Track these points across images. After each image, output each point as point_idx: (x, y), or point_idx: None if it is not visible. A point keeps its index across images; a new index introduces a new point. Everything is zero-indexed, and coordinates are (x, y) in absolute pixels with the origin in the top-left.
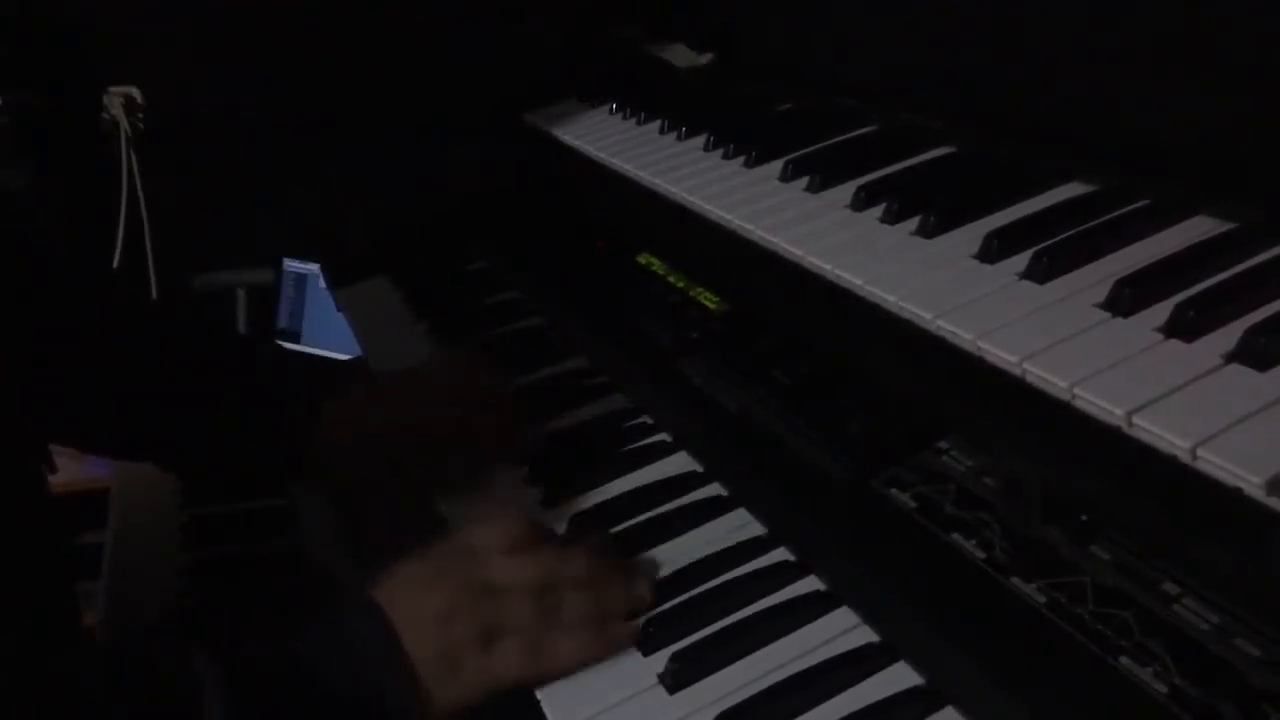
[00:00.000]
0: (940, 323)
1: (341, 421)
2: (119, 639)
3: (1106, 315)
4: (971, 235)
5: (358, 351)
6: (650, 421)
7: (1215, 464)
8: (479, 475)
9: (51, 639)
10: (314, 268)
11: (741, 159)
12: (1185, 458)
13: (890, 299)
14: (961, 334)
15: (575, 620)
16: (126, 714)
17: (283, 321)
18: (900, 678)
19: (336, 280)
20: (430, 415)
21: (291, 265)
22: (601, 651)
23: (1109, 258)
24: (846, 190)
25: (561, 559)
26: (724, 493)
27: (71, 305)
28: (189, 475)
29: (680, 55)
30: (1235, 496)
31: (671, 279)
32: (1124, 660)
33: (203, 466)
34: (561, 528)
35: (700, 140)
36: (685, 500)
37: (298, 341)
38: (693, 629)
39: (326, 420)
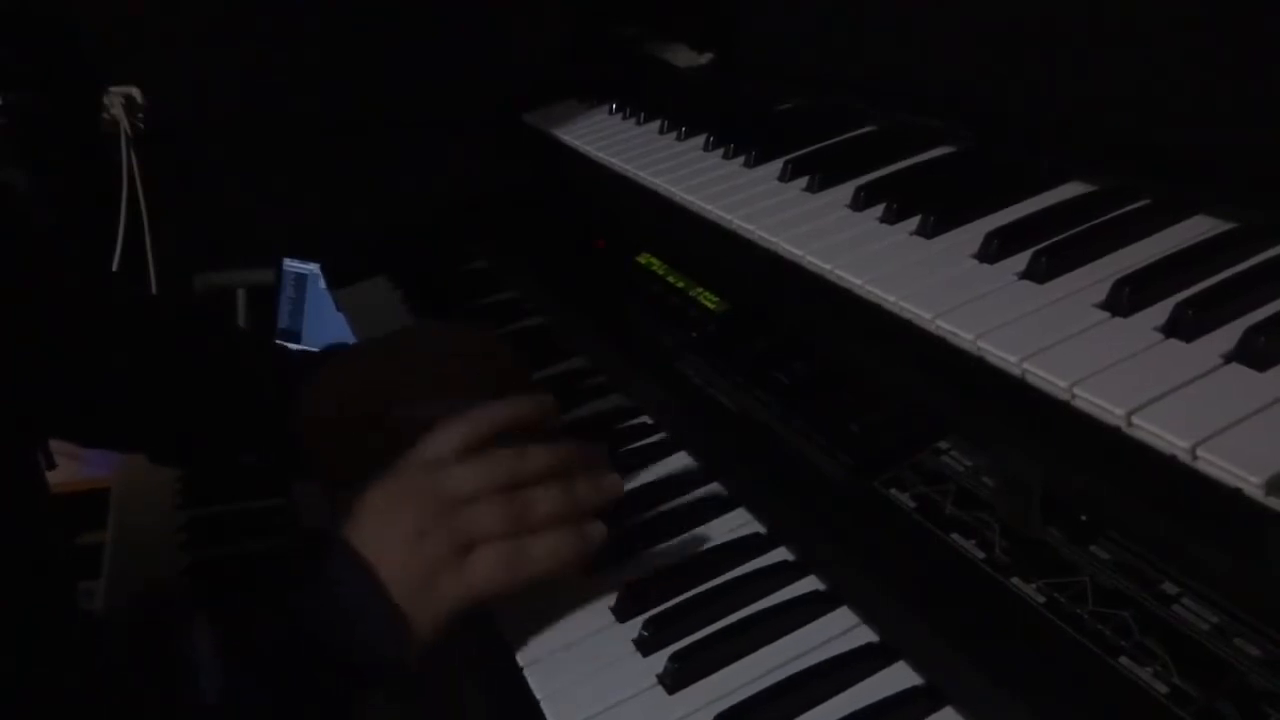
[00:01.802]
0: (940, 323)
1: (321, 399)
2: (119, 612)
3: (1106, 315)
4: (971, 235)
5: None
6: (650, 421)
7: (1215, 464)
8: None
9: (51, 639)
10: (314, 268)
11: (741, 159)
12: (1185, 457)
13: (890, 299)
14: (961, 334)
15: (546, 520)
16: (123, 684)
17: (283, 321)
18: (900, 678)
19: (336, 280)
20: (414, 368)
21: (291, 265)
22: (578, 550)
23: (1109, 257)
24: (846, 190)
25: (521, 456)
26: (724, 492)
27: (68, 302)
28: (181, 466)
29: (680, 55)
30: (1234, 496)
31: (671, 279)
32: (1124, 660)
33: (193, 458)
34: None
35: (700, 140)
36: (685, 500)
37: (298, 341)
38: (692, 629)
39: (307, 403)
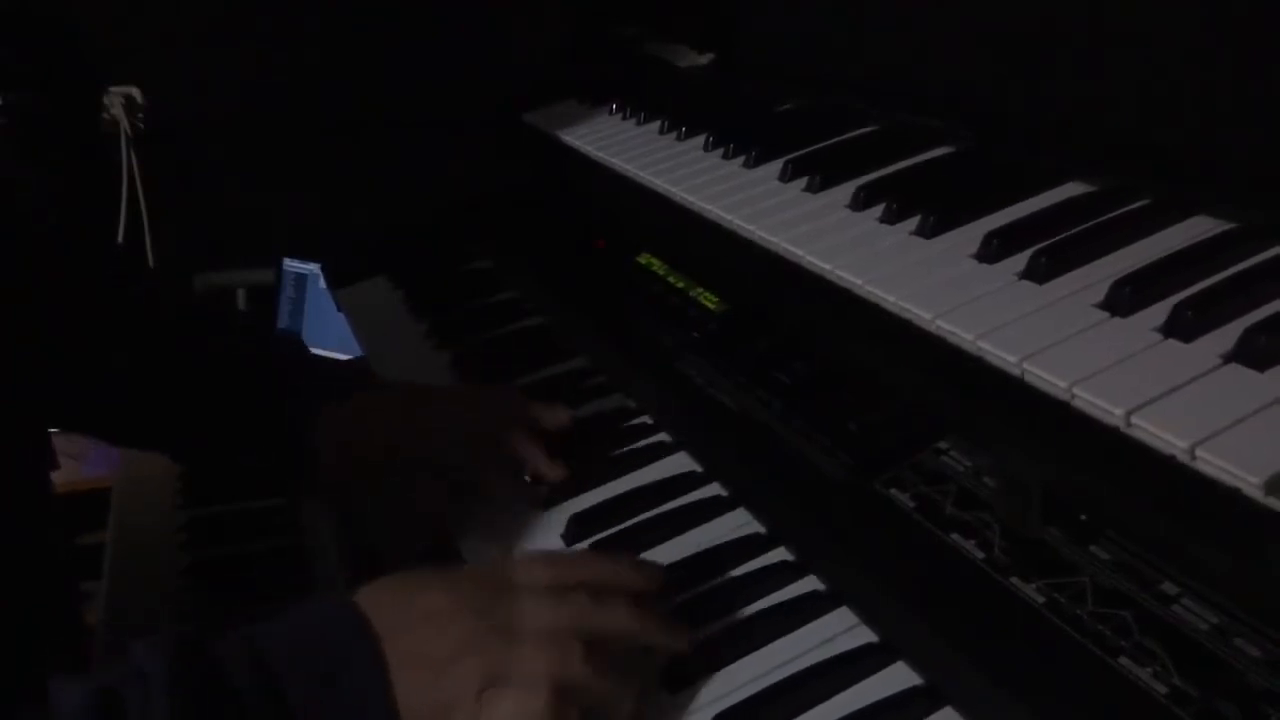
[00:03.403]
0: (940, 323)
1: (335, 426)
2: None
3: (1105, 315)
4: (971, 235)
5: (358, 351)
6: (650, 421)
7: (1214, 464)
8: (474, 513)
9: (52, 639)
10: (314, 268)
11: (741, 159)
12: (1184, 458)
13: (890, 299)
14: (961, 334)
15: (600, 682)
16: None
17: (283, 321)
18: (899, 678)
19: (336, 280)
20: (425, 439)
21: (291, 265)
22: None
23: (1108, 258)
24: (846, 190)
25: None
26: (723, 493)
27: (68, 302)
28: (184, 464)
29: (680, 55)
30: (1234, 496)
31: (671, 279)
32: (1123, 660)
33: (194, 457)
34: (561, 527)
35: (700, 140)
36: (685, 500)
37: None
38: (692, 629)
39: (324, 424)
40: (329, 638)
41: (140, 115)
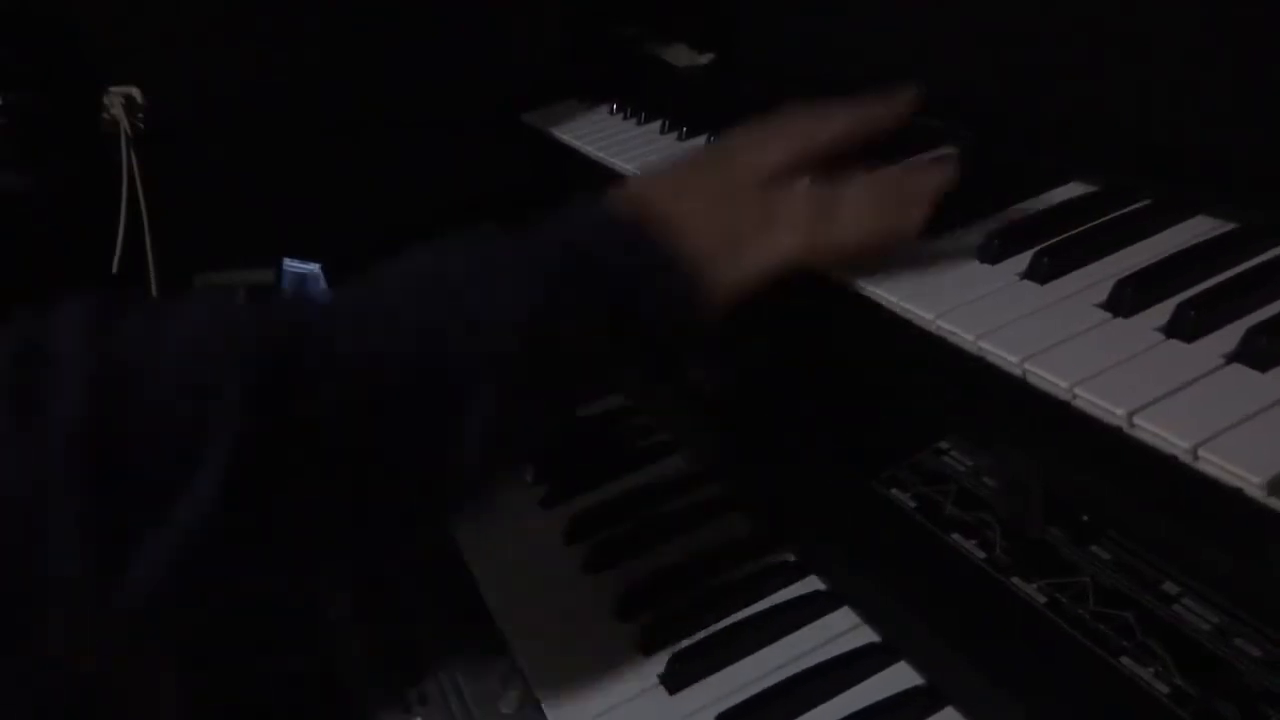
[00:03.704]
0: (941, 323)
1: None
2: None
3: (1107, 315)
4: (972, 235)
5: None
6: (651, 422)
7: (1216, 464)
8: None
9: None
10: (314, 268)
11: None
12: (1186, 458)
13: (891, 299)
14: (962, 334)
15: (865, 195)
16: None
17: None
18: (901, 678)
19: (337, 280)
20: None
21: (291, 265)
22: (890, 231)
23: (1110, 258)
24: None
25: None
26: (724, 493)
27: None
28: None
29: (681, 55)
30: (1236, 497)
31: None
32: (1125, 660)
33: None
34: (560, 528)
35: (701, 141)
36: (685, 500)
37: None
38: (693, 629)
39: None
40: (611, 217)
41: (140, 115)
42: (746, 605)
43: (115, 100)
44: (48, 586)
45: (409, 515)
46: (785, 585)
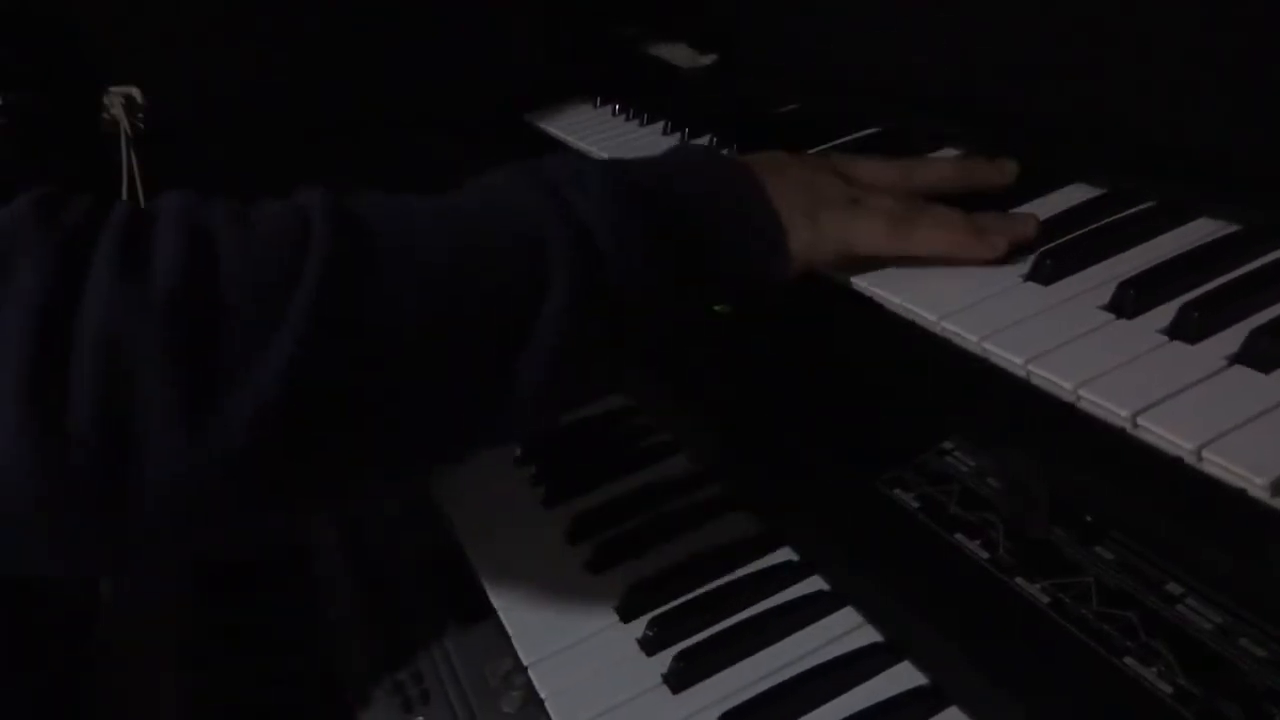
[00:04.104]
0: (945, 324)
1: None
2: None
3: (1111, 317)
4: None
5: None
6: (653, 422)
7: (1220, 465)
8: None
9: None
10: None
11: None
12: (1190, 459)
13: (895, 300)
14: (966, 335)
15: (945, 212)
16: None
17: None
18: (904, 678)
19: None
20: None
21: None
22: (970, 246)
23: (1113, 259)
24: None
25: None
26: (726, 492)
27: None
28: None
29: (683, 55)
30: (1239, 498)
31: None
32: (1128, 660)
33: None
34: (563, 528)
35: (704, 142)
36: (688, 500)
37: None
38: (697, 629)
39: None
40: (707, 165)
41: (140, 115)
42: (750, 605)
43: (115, 100)
44: (138, 435)
45: (469, 420)
46: (788, 585)
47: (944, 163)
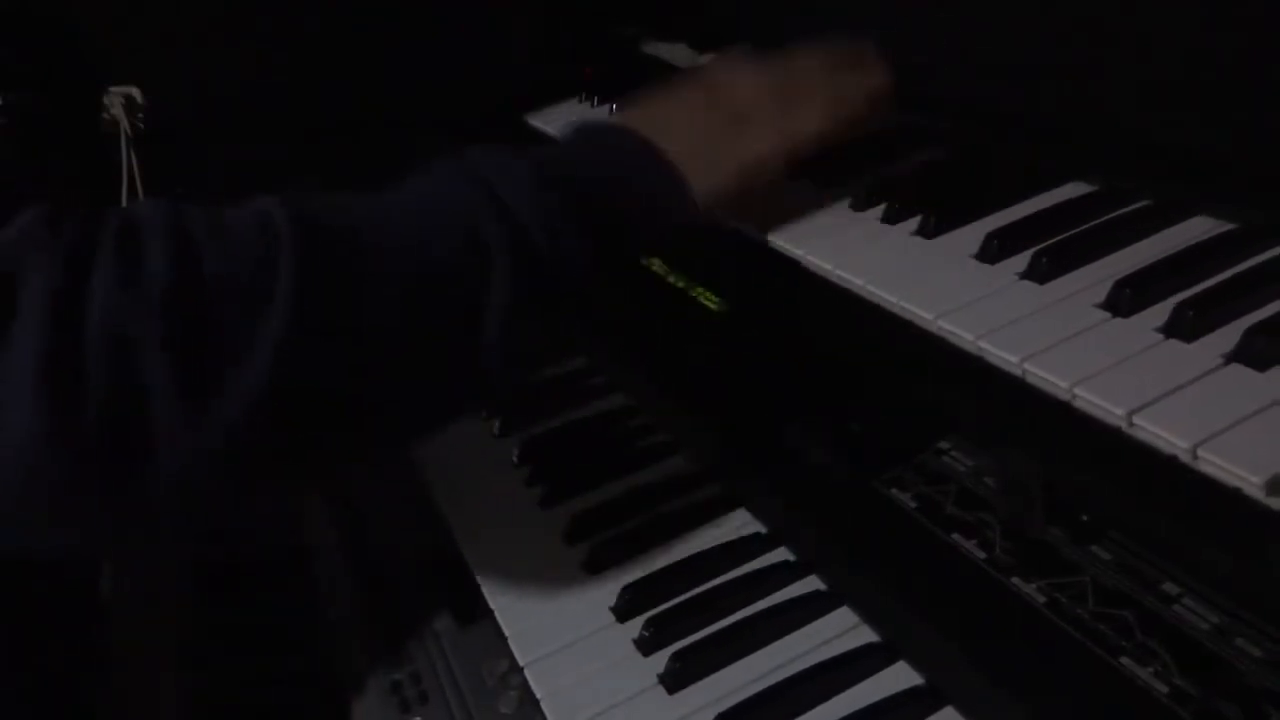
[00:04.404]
0: (941, 323)
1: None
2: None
3: (1107, 315)
4: (972, 235)
5: None
6: (650, 422)
7: (1215, 464)
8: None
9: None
10: None
11: None
12: (1185, 458)
13: (891, 299)
14: (962, 334)
15: (812, 91)
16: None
17: None
18: (900, 678)
19: None
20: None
21: None
22: (843, 113)
23: (1109, 258)
24: (848, 190)
25: (791, 60)
26: (724, 492)
27: None
28: None
29: (682, 56)
30: (1235, 496)
31: (672, 279)
32: (1125, 660)
33: None
34: (560, 529)
35: None
36: (686, 500)
37: None
38: (693, 629)
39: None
40: (605, 144)
41: (140, 115)
42: (746, 605)
43: (115, 100)
44: (144, 418)
45: (437, 392)
46: (785, 585)
47: (809, 59)
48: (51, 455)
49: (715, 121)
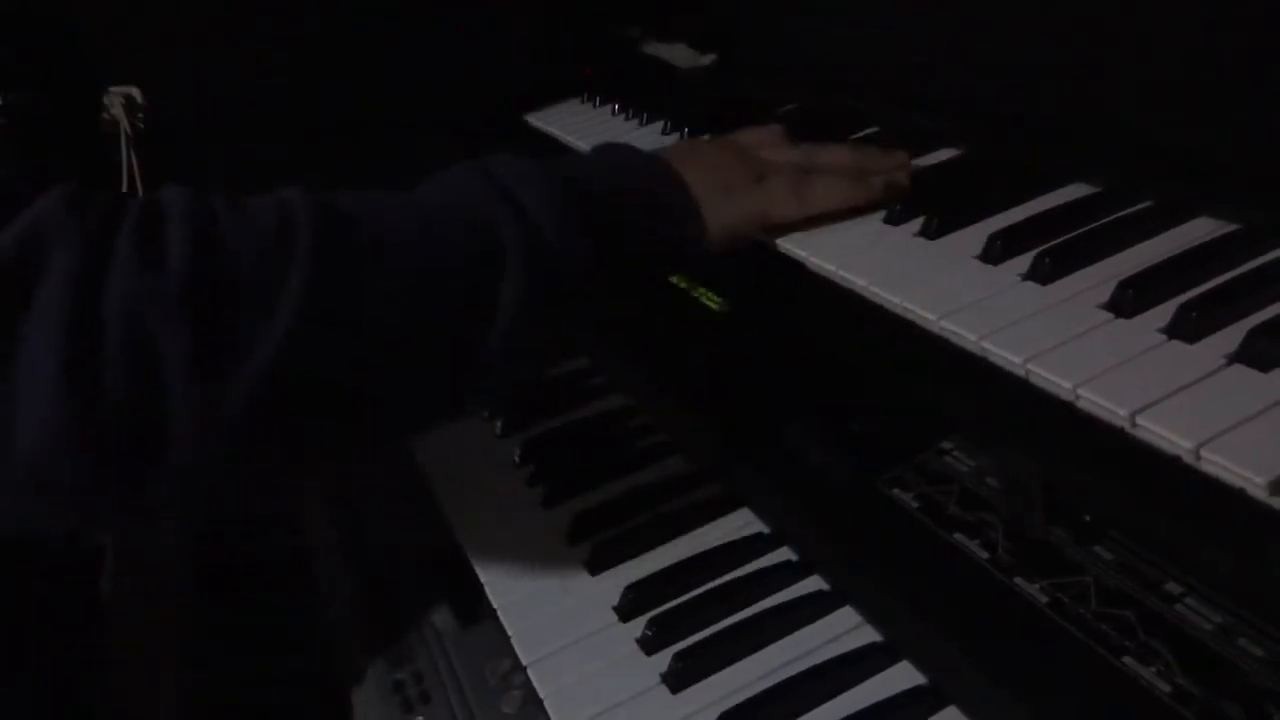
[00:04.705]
0: (944, 323)
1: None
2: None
3: (1110, 316)
4: (974, 236)
5: None
6: (651, 422)
7: (1218, 464)
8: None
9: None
10: None
11: None
12: (1189, 458)
13: (894, 300)
14: (965, 335)
15: (835, 169)
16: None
17: None
18: (903, 677)
19: None
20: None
21: None
22: (859, 196)
23: (1112, 259)
24: None
25: (822, 145)
26: (727, 492)
27: None
28: None
29: (682, 55)
30: (1238, 497)
31: (673, 279)
32: (1127, 660)
33: None
34: (562, 528)
35: None
36: (687, 500)
37: None
38: (696, 629)
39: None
40: (630, 161)
41: (140, 115)
42: (749, 604)
43: (115, 100)
44: (162, 393)
45: (441, 385)
46: (788, 585)
47: (840, 148)
48: (74, 428)
49: (737, 171)
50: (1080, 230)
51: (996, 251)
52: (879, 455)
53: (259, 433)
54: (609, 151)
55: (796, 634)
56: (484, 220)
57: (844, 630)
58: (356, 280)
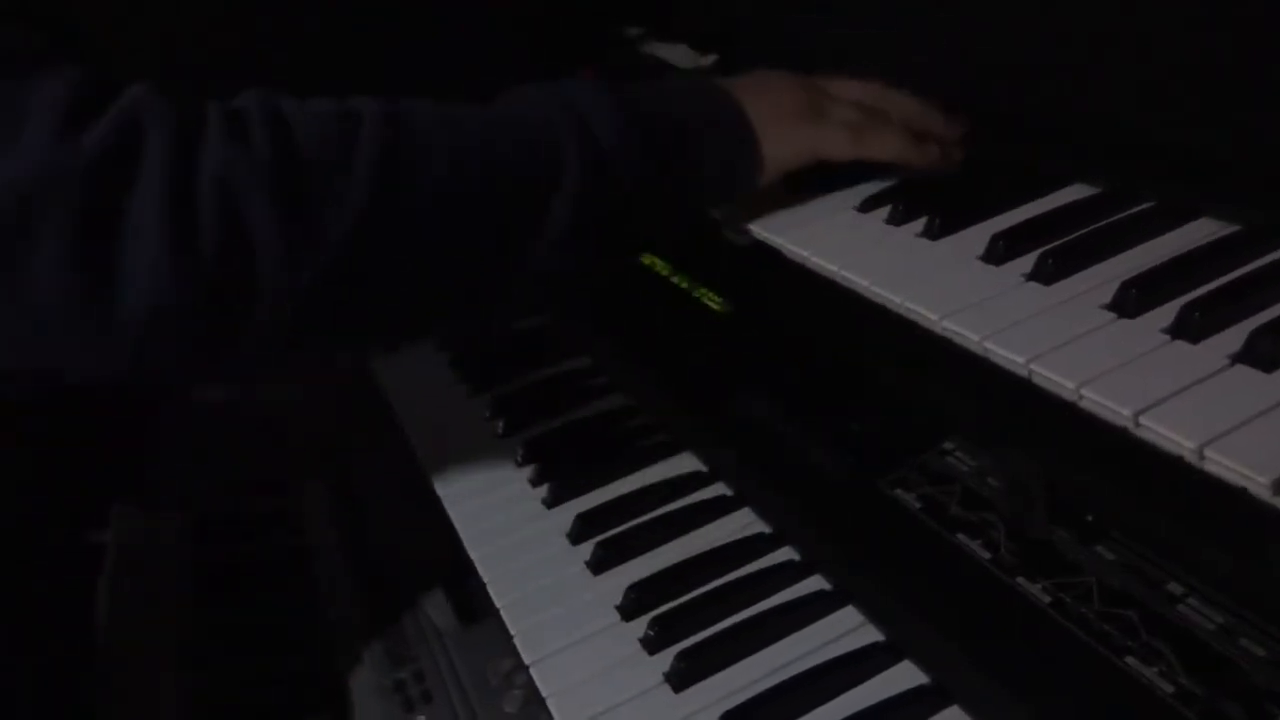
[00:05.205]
0: (946, 324)
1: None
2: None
3: (1113, 316)
4: (977, 237)
5: None
6: (653, 421)
7: (1222, 464)
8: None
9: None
10: None
11: None
12: (1192, 458)
13: (896, 300)
14: (968, 335)
15: (897, 123)
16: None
17: None
18: (905, 677)
19: None
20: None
21: None
22: (915, 156)
23: (1115, 259)
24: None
25: (894, 96)
26: (729, 492)
27: None
28: None
29: (683, 56)
30: (1241, 497)
31: (675, 280)
32: (1129, 660)
33: None
34: (567, 525)
35: None
36: (690, 500)
37: None
38: (698, 628)
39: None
40: (696, 91)
41: None
42: (751, 604)
43: None
44: (252, 252)
45: (491, 276)
46: (790, 584)
47: (911, 101)
48: (178, 283)
49: (800, 104)
50: (1083, 231)
51: (999, 252)
52: (881, 455)
53: (330, 298)
54: (679, 82)
55: (799, 634)
56: (549, 139)
57: (846, 630)
58: (413, 176)
